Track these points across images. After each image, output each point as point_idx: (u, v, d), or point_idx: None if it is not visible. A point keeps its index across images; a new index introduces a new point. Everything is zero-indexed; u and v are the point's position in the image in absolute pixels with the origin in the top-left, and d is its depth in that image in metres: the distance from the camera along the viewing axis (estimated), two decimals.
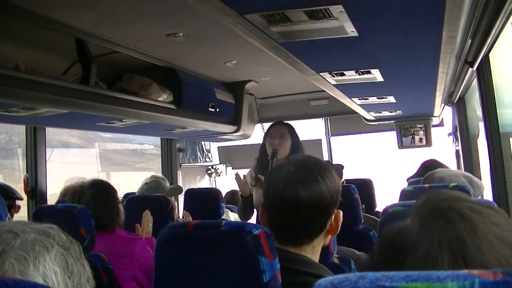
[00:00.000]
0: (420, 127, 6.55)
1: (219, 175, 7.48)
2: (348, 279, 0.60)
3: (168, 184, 5.15)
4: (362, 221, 3.78)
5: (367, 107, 5.30)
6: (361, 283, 0.58)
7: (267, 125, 6.42)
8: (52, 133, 4.73)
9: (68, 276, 1.12)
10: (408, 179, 4.63)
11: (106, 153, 9.32)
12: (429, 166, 4.33)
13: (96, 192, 3.53)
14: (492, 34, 2.92)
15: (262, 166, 4.69)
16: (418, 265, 0.83)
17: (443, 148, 6.93)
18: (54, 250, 1.13)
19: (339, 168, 4.87)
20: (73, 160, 8.60)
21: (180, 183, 6.39)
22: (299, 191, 1.81)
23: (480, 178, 5.45)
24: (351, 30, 2.42)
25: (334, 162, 6.16)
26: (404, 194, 3.10)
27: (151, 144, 8.85)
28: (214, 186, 7.41)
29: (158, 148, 6.92)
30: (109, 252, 3.28)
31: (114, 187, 3.71)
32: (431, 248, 0.84)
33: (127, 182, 9.02)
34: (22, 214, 4.48)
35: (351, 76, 3.51)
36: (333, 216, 1.91)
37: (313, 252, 1.91)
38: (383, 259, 0.92)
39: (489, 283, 0.55)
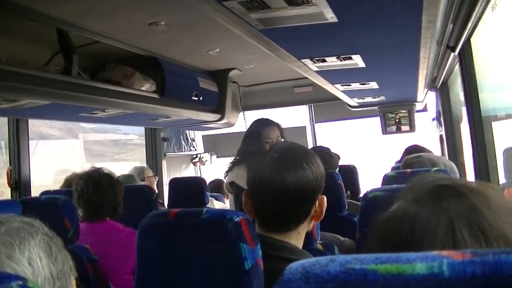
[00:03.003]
0: (404, 113, 6.58)
1: (204, 164, 7.48)
2: (318, 262, 0.60)
3: (151, 173, 5.15)
4: (346, 207, 3.80)
5: (350, 93, 5.31)
6: (331, 266, 0.59)
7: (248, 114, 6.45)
8: (29, 124, 4.68)
9: (52, 262, 1.14)
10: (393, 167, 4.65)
11: (85, 144, 9.25)
12: (413, 151, 4.34)
13: (98, 180, 3.52)
14: (472, 19, 2.93)
15: None
16: (441, 245, 0.81)
17: (427, 133, 6.97)
18: (39, 236, 1.15)
19: (336, 157, 4.80)
20: (54, 152, 8.54)
21: (164, 173, 6.38)
22: (286, 178, 1.81)
23: (463, 162, 5.49)
24: (330, 16, 2.42)
25: None
26: (387, 179, 3.11)
27: (135, 134, 8.78)
28: (199, 175, 7.40)
29: (141, 138, 6.88)
30: (110, 243, 3.29)
31: None
32: (450, 224, 0.83)
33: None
34: None
35: (332, 62, 3.52)
36: (317, 202, 1.92)
37: (297, 238, 1.92)
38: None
39: (457, 263, 0.55)
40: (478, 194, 0.88)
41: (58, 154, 8.71)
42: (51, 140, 8.34)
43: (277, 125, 4.45)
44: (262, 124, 4.49)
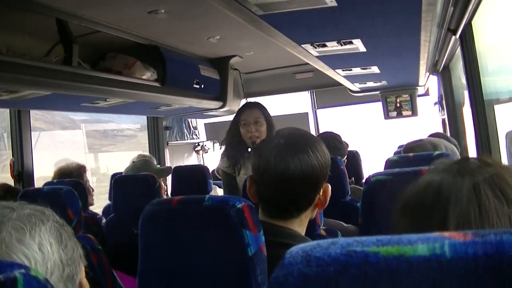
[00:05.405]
0: (406, 97, 6.57)
1: (207, 152, 7.47)
2: (319, 245, 0.60)
3: (155, 162, 5.14)
4: (349, 193, 3.79)
5: (352, 78, 5.30)
6: (332, 248, 0.58)
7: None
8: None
9: (62, 249, 1.16)
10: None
11: (72, 136, 9.18)
12: None
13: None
14: (473, 1, 2.92)
15: (237, 154, 4.43)
16: (466, 203, 0.89)
17: (429, 117, 6.96)
18: (49, 223, 1.17)
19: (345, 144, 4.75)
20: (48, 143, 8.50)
21: (167, 161, 6.39)
22: (290, 164, 1.81)
23: (466, 146, 5.50)
24: (329, 0, 2.41)
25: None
26: (389, 164, 3.11)
27: (128, 124, 8.70)
28: (202, 163, 7.39)
29: (133, 129, 6.83)
30: None
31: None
32: (475, 186, 0.91)
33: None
34: None
35: (333, 47, 3.51)
36: (321, 190, 1.91)
37: (300, 225, 1.92)
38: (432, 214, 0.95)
39: (459, 244, 0.55)
40: (501, 164, 0.97)
41: (52, 145, 8.68)
42: (36, 132, 8.31)
43: (258, 106, 4.44)
44: (241, 108, 4.59)
